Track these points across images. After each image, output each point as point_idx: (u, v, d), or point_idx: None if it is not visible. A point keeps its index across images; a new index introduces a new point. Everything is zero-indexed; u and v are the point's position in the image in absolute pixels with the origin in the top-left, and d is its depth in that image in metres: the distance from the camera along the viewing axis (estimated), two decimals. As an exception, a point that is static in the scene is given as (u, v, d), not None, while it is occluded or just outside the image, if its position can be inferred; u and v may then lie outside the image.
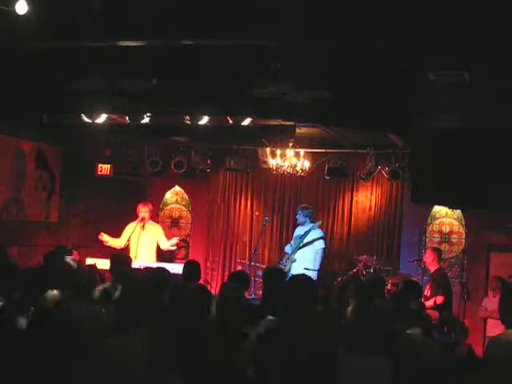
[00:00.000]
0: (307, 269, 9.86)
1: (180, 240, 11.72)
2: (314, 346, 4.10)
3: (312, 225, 10.76)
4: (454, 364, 3.51)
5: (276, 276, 7.01)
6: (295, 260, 10.62)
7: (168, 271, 7.20)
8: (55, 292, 5.86)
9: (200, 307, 5.28)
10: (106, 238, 10.72)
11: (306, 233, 10.71)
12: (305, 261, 10.51)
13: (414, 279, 9.77)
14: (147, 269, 7.71)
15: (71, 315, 4.40)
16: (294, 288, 4.65)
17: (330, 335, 4.64)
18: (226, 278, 11.67)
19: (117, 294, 6.37)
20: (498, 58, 6.70)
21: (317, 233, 10.75)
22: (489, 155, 7.84)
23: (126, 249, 10.66)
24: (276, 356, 4.10)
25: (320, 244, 10.68)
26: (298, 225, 11.03)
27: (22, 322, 5.17)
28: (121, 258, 7.95)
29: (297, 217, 11.03)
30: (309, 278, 4.92)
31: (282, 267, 10.38)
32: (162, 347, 4.03)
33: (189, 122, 9.50)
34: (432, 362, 4.95)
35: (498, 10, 6.27)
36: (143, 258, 10.67)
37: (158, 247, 11.18)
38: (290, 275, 9.09)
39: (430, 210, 12.00)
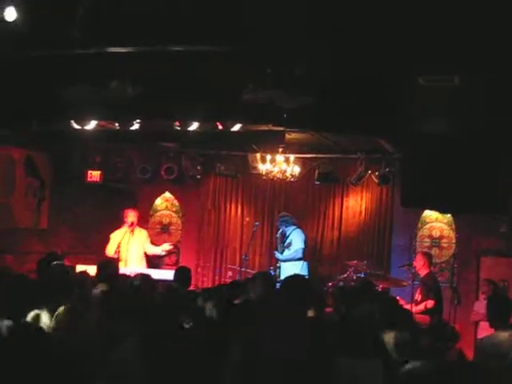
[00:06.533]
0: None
1: (172, 245, 11.65)
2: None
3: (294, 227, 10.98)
4: (445, 368, 3.51)
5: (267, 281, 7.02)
6: (279, 266, 10.80)
7: (151, 278, 7.21)
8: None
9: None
10: None
11: (287, 236, 10.93)
12: (289, 265, 10.67)
13: (404, 284, 9.82)
14: (136, 276, 7.67)
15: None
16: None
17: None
18: (216, 284, 11.72)
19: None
20: (488, 62, 6.72)
21: (296, 234, 10.92)
22: (479, 159, 7.85)
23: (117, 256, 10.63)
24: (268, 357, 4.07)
25: (299, 244, 10.84)
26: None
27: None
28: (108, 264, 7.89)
29: (280, 230, 11.21)
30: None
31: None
32: (156, 352, 4.00)
33: (179, 128, 9.48)
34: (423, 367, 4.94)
35: (487, 14, 6.29)
36: (133, 264, 10.64)
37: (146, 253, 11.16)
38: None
39: (421, 215, 12.01)
